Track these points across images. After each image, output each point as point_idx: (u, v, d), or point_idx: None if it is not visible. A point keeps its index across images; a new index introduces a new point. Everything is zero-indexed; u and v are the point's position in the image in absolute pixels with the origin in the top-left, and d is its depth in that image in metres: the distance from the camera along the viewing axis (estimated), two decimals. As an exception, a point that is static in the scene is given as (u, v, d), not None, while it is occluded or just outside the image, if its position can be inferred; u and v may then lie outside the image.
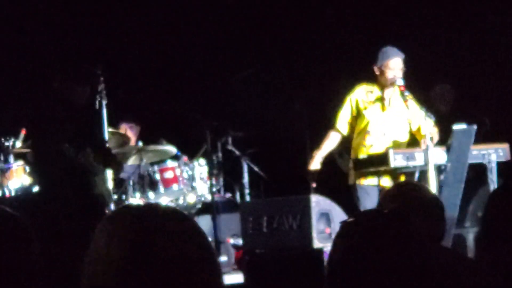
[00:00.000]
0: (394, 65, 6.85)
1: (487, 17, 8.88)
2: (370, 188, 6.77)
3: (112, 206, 6.81)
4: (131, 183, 8.31)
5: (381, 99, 6.90)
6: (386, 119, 6.89)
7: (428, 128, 6.56)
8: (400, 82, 6.77)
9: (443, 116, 7.83)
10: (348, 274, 2.05)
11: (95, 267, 1.62)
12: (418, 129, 6.89)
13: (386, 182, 6.73)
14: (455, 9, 9.04)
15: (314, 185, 6.97)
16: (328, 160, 7.09)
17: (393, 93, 6.92)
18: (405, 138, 6.96)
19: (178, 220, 1.66)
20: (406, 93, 6.74)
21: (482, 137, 7.02)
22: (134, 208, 1.73)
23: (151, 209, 1.70)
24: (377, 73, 6.91)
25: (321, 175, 7.09)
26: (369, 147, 6.86)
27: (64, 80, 6.28)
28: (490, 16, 8.85)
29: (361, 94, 6.95)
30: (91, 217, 5.67)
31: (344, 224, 2.18)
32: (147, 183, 8.52)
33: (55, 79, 6.32)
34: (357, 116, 6.94)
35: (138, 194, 8.43)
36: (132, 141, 8.62)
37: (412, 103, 6.77)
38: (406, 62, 6.93)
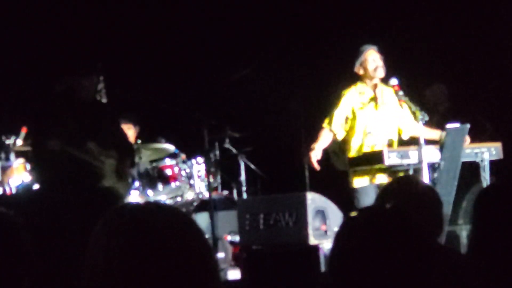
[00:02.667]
0: (371, 55, 6.94)
1: (483, 16, 8.93)
2: (368, 187, 6.81)
3: (130, 198, 6.79)
4: (129, 180, 8.38)
5: (374, 99, 6.97)
6: (378, 118, 6.96)
7: (420, 127, 6.63)
8: (394, 81, 6.83)
9: (439, 116, 7.91)
10: (349, 268, 2.07)
11: (94, 265, 1.63)
12: (406, 128, 7.00)
13: (383, 179, 6.78)
14: (451, 9, 9.10)
15: (316, 167, 6.96)
16: (323, 159, 7.15)
17: (383, 92, 6.99)
18: (396, 136, 7.05)
19: (176, 218, 1.68)
20: (400, 93, 6.80)
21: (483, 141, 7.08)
22: (133, 207, 1.74)
23: (149, 207, 1.72)
24: (361, 72, 6.98)
25: (317, 174, 7.15)
26: (363, 146, 6.93)
27: (69, 77, 6.28)
28: (486, 15, 8.91)
29: (354, 95, 7.01)
30: (98, 209, 5.70)
31: (346, 219, 2.21)
32: (146, 180, 8.59)
33: (60, 78, 6.33)
34: (352, 117, 7.00)
35: (137, 192, 8.50)
36: (131, 141, 8.70)
37: (405, 103, 6.85)
38: (382, 51, 7.00)
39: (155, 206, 1.73)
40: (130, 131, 8.80)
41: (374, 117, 6.95)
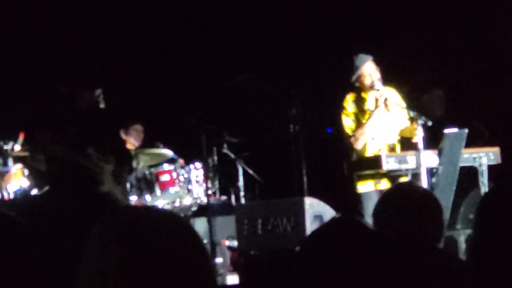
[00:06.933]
0: (367, 69, 6.95)
1: (480, 22, 8.95)
2: (373, 193, 6.79)
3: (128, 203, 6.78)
4: (128, 186, 8.38)
5: (380, 105, 6.93)
6: (380, 124, 6.95)
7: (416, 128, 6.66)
8: (378, 86, 6.86)
9: (436, 121, 7.91)
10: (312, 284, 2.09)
11: (90, 270, 1.62)
12: (404, 130, 6.99)
13: (386, 185, 6.75)
14: (448, 14, 9.12)
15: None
16: (324, 165, 7.15)
17: (384, 97, 6.98)
18: (395, 140, 7.04)
19: (173, 223, 1.67)
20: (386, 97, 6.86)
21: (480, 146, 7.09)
22: (130, 210, 1.74)
23: (146, 211, 1.71)
24: (359, 85, 7.00)
25: (315, 179, 7.14)
26: (365, 151, 6.91)
27: (70, 85, 6.32)
28: (483, 20, 8.92)
29: (355, 104, 7.01)
30: (96, 214, 5.69)
31: (304, 239, 2.25)
32: (144, 185, 8.59)
33: (61, 84, 6.36)
34: (357, 123, 6.96)
35: (135, 197, 8.50)
36: (134, 145, 8.74)
37: (395, 105, 6.88)
38: (377, 61, 7.01)
39: (152, 211, 1.72)
40: (142, 134, 8.87)
41: (377, 123, 6.92)
